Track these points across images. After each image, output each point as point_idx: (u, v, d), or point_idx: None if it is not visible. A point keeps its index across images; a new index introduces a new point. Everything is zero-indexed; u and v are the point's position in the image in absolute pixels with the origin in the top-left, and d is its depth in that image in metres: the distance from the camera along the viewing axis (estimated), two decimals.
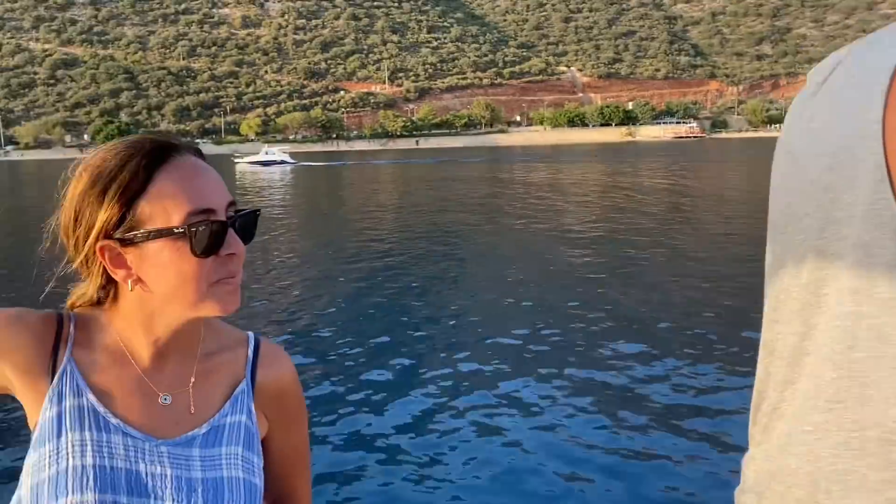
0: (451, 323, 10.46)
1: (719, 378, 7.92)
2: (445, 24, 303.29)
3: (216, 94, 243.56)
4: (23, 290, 12.07)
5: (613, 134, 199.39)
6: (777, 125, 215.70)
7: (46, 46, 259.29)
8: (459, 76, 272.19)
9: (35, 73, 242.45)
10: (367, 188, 42.64)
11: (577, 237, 18.81)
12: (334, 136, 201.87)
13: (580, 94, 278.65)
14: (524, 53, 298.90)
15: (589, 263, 15.09)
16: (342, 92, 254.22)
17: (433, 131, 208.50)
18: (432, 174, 55.96)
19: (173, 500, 1.06)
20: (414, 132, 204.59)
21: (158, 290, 1.06)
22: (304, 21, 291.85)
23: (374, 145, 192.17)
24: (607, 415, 6.97)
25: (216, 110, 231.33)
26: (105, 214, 1.02)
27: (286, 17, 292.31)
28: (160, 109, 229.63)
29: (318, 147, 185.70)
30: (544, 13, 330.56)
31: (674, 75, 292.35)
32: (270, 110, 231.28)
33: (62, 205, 1.07)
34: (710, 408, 7.07)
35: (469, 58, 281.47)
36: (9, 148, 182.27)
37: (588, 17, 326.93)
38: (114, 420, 1.08)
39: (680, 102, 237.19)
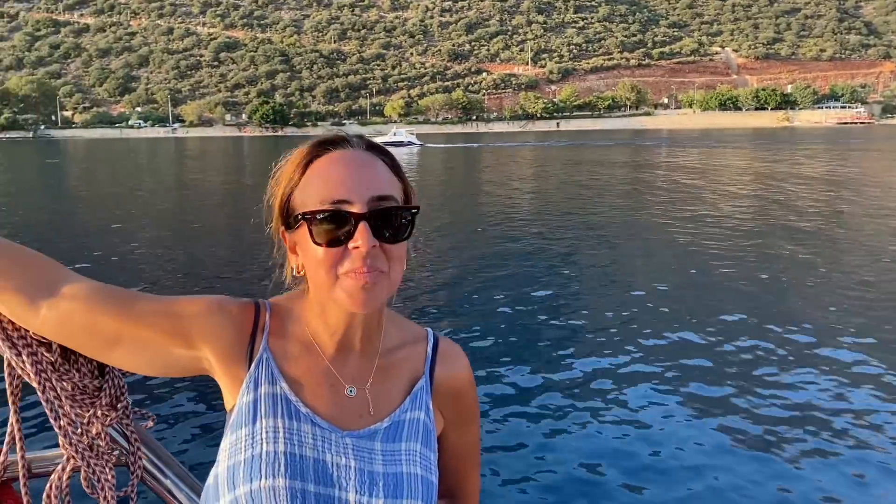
0: (603, 317, 9.86)
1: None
2: (593, 3, 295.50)
3: (363, 76, 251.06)
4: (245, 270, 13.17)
5: (768, 118, 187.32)
6: None
7: (212, 30, 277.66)
8: (605, 57, 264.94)
9: (201, 56, 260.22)
10: (499, 171, 42.02)
11: (726, 231, 17.33)
12: (474, 117, 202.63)
13: (734, 76, 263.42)
14: (675, 33, 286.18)
15: (738, 259, 13.92)
16: (484, 73, 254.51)
17: (575, 113, 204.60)
18: (570, 157, 54.46)
19: (356, 491, 1.10)
20: (555, 114, 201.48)
21: (309, 276, 1.14)
22: (450, 3, 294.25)
23: (513, 127, 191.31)
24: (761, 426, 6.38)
25: (363, 92, 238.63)
26: (277, 201, 1.15)
27: None
28: (311, 91, 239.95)
29: (457, 128, 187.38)
30: None
31: (841, 56, 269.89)
32: (414, 92, 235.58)
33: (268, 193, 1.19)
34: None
35: (616, 38, 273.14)
36: (176, 125, 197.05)
37: None
38: (304, 409, 1.14)
39: (846, 85, 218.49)
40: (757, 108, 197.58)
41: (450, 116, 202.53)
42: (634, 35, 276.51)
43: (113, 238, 17.24)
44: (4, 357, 1.14)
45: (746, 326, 9.30)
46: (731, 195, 25.90)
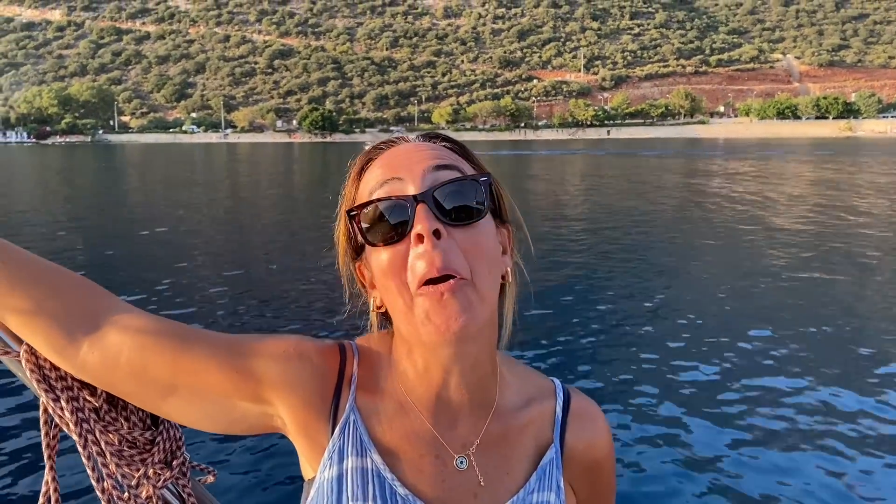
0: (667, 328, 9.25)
1: None
2: (650, 9, 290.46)
3: (413, 83, 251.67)
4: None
5: (829, 128, 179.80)
6: None
7: (267, 38, 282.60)
8: (660, 64, 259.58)
9: (255, 63, 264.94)
10: (549, 181, 40.14)
11: (796, 250, 15.34)
12: (522, 124, 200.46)
13: (796, 84, 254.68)
14: (735, 40, 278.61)
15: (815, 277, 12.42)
16: (535, 80, 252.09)
17: (626, 121, 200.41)
18: (623, 166, 51.77)
19: None
20: (605, 121, 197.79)
21: (388, 307, 0.89)
22: (503, 10, 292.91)
23: (562, 134, 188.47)
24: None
25: (412, 99, 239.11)
26: (342, 233, 0.95)
27: (486, 6, 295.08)
28: (361, 98, 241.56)
29: (505, 136, 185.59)
30: None
31: None
32: (463, 99, 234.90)
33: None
34: None
35: (672, 44, 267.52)
36: (228, 131, 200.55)
37: (812, 1, 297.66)
38: (402, 490, 0.90)
39: None
40: (817, 118, 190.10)
41: (497, 123, 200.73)
42: (692, 42, 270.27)
43: (163, 252, 15.69)
44: (40, 402, 0.95)
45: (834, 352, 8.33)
46: (800, 207, 23.64)
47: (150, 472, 0.98)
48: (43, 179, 44.31)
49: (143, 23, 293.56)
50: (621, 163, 56.79)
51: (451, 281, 0.81)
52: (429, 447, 0.92)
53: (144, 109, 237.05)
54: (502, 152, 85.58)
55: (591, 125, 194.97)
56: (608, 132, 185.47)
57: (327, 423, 0.91)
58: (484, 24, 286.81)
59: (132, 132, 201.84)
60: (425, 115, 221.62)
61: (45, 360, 0.93)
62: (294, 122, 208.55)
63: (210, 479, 1.10)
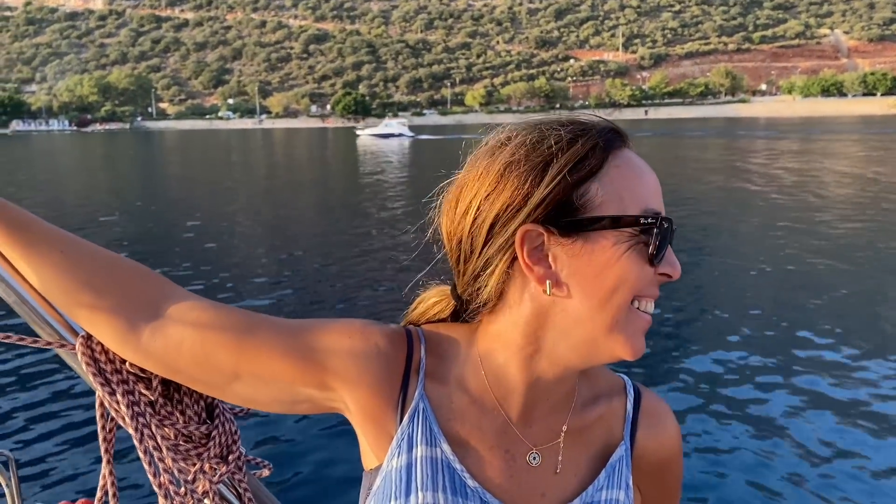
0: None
1: None
2: None
3: (448, 65, 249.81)
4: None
5: (878, 105, 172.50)
6: None
7: (302, 23, 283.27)
8: (702, 41, 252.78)
9: (291, 48, 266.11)
10: None
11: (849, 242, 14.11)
12: (557, 105, 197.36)
13: (844, 60, 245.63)
14: (780, 15, 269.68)
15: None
16: (571, 60, 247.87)
17: (665, 100, 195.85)
18: (663, 147, 49.63)
19: None
20: (643, 101, 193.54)
21: (580, 299, 0.82)
22: None
23: (598, 115, 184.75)
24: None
25: (446, 82, 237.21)
26: (545, 190, 0.80)
27: None
28: (395, 81, 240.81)
29: (539, 117, 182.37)
30: None
31: None
32: (497, 80, 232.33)
33: (464, 181, 0.86)
34: None
35: (714, 21, 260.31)
36: (262, 116, 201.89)
37: None
38: (471, 482, 0.88)
39: None
40: (864, 94, 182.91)
41: (532, 105, 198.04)
42: (734, 18, 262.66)
43: (203, 238, 15.66)
44: (97, 396, 0.95)
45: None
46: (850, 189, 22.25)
47: (207, 466, 0.97)
48: (84, 166, 45.21)
49: (182, 10, 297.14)
50: (661, 144, 54.84)
51: (651, 318, 0.85)
52: (500, 441, 0.90)
53: (182, 96, 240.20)
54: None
55: (629, 105, 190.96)
56: (646, 112, 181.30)
57: (395, 411, 0.89)
58: (520, 4, 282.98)
59: (170, 119, 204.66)
60: (459, 97, 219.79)
61: (101, 353, 0.93)
62: (328, 107, 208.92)
63: (265, 472, 1.10)
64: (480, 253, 0.84)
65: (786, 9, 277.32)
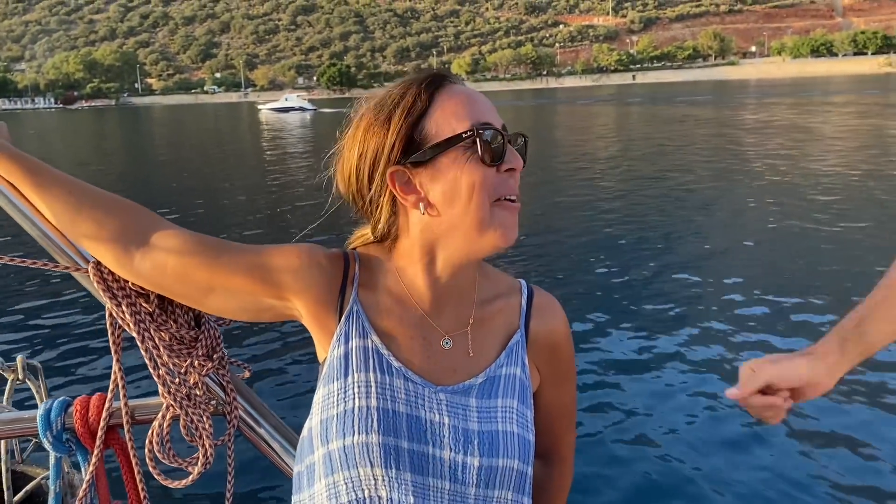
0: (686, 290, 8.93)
1: None
2: None
3: (436, 33, 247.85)
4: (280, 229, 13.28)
5: (868, 64, 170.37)
6: None
7: None
8: (693, 3, 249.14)
9: (279, 20, 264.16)
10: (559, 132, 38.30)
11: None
12: (544, 72, 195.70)
13: (839, 20, 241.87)
14: None
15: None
16: (561, 26, 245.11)
17: (653, 65, 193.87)
18: (650, 114, 48.26)
19: (451, 449, 1.06)
20: (630, 66, 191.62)
21: (447, 211, 1.04)
22: None
23: (585, 81, 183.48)
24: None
25: (434, 50, 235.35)
26: (392, 138, 1.03)
27: None
28: (383, 51, 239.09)
29: (526, 84, 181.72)
30: None
31: None
32: (486, 48, 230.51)
33: (342, 148, 1.10)
34: None
35: None
36: (248, 90, 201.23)
37: None
38: (396, 363, 1.09)
39: None
40: (855, 54, 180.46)
41: (518, 72, 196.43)
42: None
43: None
44: (106, 308, 1.19)
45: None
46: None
47: (196, 363, 1.21)
48: (68, 141, 46.48)
49: None
50: (649, 111, 53.48)
51: (518, 205, 1.05)
52: (418, 331, 1.11)
53: (171, 71, 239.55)
54: (517, 102, 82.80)
55: (616, 70, 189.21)
56: (633, 77, 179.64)
57: (335, 314, 1.10)
58: None
59: (156, 94, 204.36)
60: (446, 66, 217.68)
61: (108, 274, 1.15)
62: (314, 78, 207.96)
63: (246, 374, 1.33)
64: (371, 199, 1.08)
65: None
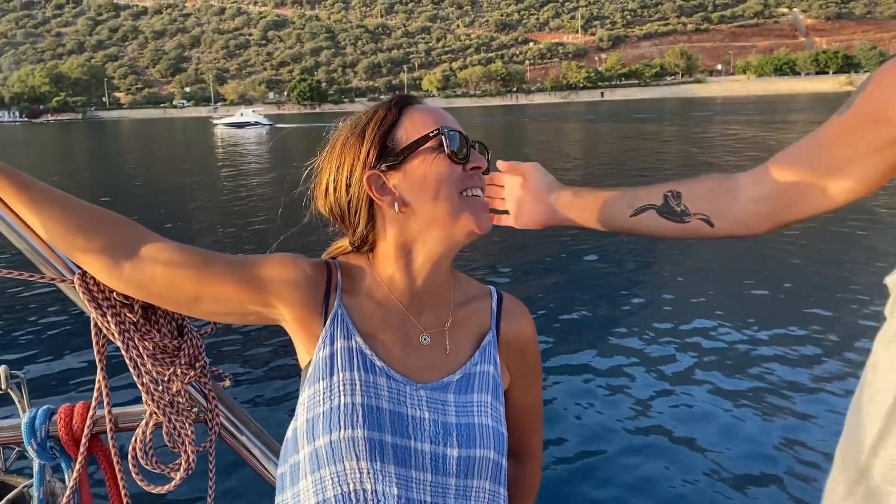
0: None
1: None
2: None
3: (407, 50, 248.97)
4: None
5: (830, 83, 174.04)
6: None
7: (262, 9, 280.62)
8: (661, 22, 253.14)
9: (250, 35, 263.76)
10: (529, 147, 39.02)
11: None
12: (514, 89, 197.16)
13: (802, 39, 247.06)
14: None
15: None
16: (531, 43, 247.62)
17: (622, 82, 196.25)
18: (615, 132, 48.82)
19: (432, 442, 1.13)
20: (599, 83, 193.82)
21: (419, 206, 1.15)
22: None
23: (554, 98, 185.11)
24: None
25: (405, 66, 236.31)
26: (367, 146, 1.16)
27: None
28: (354, 67, 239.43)
29: (496, 101, 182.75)
30: None
31: None
32: (457, 64, 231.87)
33: (321, 164, 1.22)
34: None
35: (674, 2, 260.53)
36: (217, 104, 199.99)
37: None
38: (378, 362, 1.17)
39: None
40: (817, 73, 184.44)
41: (489, 88, 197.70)
42: None
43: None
44: (91, 317, 1.22)
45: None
46: None
47: (178, 371, 1.26)
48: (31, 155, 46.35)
49: None
50: (614, 128, 54.44)
51: (486, 199, 1.19)
52: (399, 330, 1.20)
53: (139, 85, 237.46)
54: (483, 119, 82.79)
55: (584, 87, 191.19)
56: (602, 94, 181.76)
57: (320, 319, 1.18)
58: None
59: (124, 108, 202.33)
60: (416, 82, 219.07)
61: (94, 285, 1.20)
62: (285, 93, 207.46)
63: (227, 383, 1.40)
64: (349, 207, 1.19)
65: None
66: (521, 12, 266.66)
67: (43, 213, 1.14)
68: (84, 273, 1.20)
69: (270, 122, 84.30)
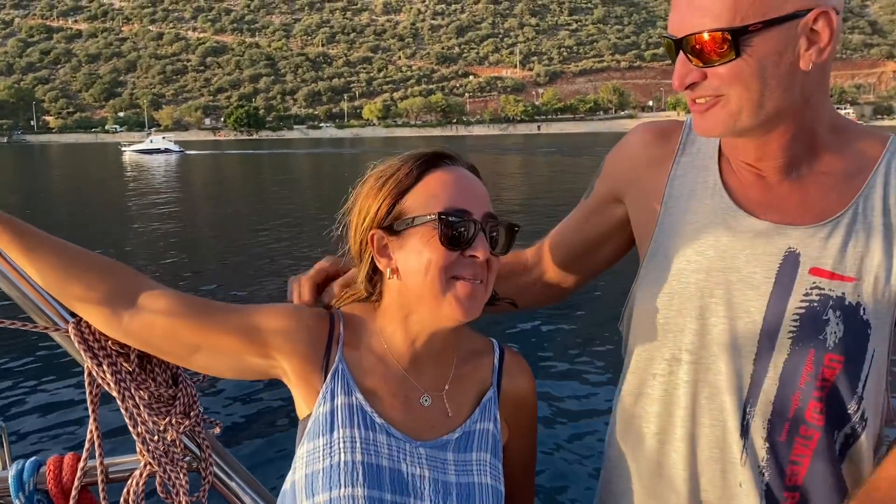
0: None
1: None
2: (589, 5, 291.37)
3: (348, 79, 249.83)
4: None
5: None
6: None
7: (201, 35, 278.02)
8: (595, 59, 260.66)
9: (188, 61, 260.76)
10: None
11: None
12: (454, 120, 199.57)
13: None
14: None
15: None
16: (471, 77, 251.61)
17: (557, 116, 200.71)
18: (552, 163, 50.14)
19: (431, 500, 1.13)
20: (536, 117, 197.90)
21: (408, 280, 1.14)
22: (443, 6, 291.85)
23: (493, 130, 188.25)
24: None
25: (346, 95, 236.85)
26: (378, 204, 1.15)
27: (426, 2, 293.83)
28: (293, 94, 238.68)
29: (436, 131, 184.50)
30: None
31: (842, 56, 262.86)
32: (397, 95, 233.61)
33: (351, 202, 1.22)
34: None
35: (609, 40, 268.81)
36: (152, 130, 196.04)
37: None
38: (379, 420, 1.16)
39: (834, 87, 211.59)
40: None
41: (429, 119, 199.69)
42: (628, 37, 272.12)
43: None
44: (85, 367, 1.20)
45: None
46: None
47: (174, 420, 1.25)
48: None
49: (76, 21, 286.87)
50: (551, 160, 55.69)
51: (478, 283, 1.13)
52: (399, 389, 1.20)
53: (71, 109, 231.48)
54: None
55: (522, 120, 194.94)
56: (538, 127, 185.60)
57: (321, 372, 1.17)
58: (423, 21, 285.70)
59: (52, 132, 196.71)
60: (357, 111, 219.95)
61: (89, 333, 1.19)
62: (222, 119, 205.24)
63: (217, 429, 1.37)
64: (359, 254, 1.21)
65: None
66: (462, 46, 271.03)
67: (39, 261, 1.14)
68: (79, 321, 1.19)
69: (181, 149, 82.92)
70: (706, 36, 1.06)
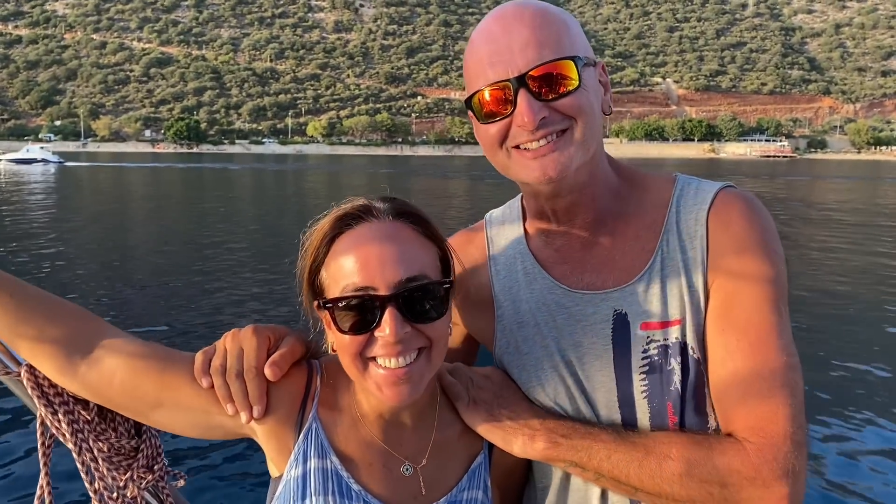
0: None
1: None
2: None
3: (295, 95, 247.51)
4: None
5: (695, 149, 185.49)
6: (888, 147, 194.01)
7: (146, 46, 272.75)
8: None
9: (131, 71, 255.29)
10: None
11: None
12: (399, 140, 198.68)
13: (674, 107, 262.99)
14: (619, 63, 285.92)
15: None
16: (419, 97, 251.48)
17: None
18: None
19: None
20: None
21: (340, 357, 1.06)
22: (395, 27, 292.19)
23: (438, 151, 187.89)
24: None
25: (291, 112, 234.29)
26: (306, 279, 1.07)
27: (378, 21, 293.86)
28: (238, 109, 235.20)
29: (381, 150, 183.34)
30: (648, 22, 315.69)
31: (781, 90, 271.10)
32: (344, 113, 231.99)
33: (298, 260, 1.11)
34: None
35: None
36: (87, 140, 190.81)
37: (695, 28, 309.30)
38: (356, 487, 1.06)
39: (771, 120, 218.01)
40: (684, 139, 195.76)
41: (374, 138, 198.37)
42: None
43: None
44: (38, 414, 1.08)
45: None
46: None
47: (136, 475, 1.12)
48: None
49: (16, 26, 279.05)
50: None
51: (406, 368, 0.99)
52: (378, 456, 1.09)
53: (5, 116, 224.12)
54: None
55: (467, 143, 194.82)
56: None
57: (293, 430, 1.07)
58: (374, 40, 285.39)
59: None
60: (301, 127, 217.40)
61: (44, 378, 1.07)
62: (163, 131, 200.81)
63: (181, 483, 1.24)
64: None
65: (625, 57, 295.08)
66: (412, 67, 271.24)
67: None
68: (32, 365, 1.07)
69: (60, 160, 78.85)
70: (560, 63, 1.03)
